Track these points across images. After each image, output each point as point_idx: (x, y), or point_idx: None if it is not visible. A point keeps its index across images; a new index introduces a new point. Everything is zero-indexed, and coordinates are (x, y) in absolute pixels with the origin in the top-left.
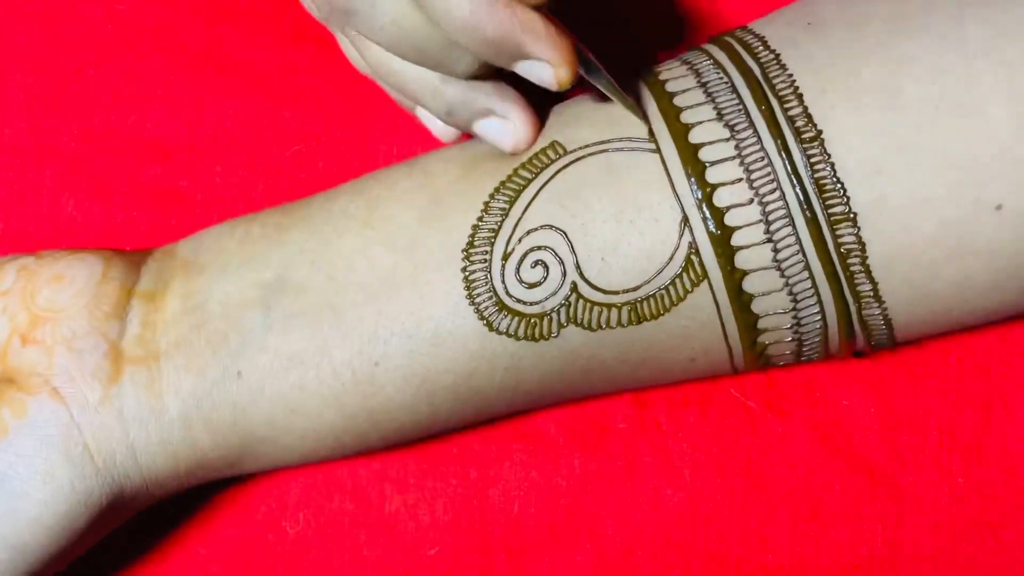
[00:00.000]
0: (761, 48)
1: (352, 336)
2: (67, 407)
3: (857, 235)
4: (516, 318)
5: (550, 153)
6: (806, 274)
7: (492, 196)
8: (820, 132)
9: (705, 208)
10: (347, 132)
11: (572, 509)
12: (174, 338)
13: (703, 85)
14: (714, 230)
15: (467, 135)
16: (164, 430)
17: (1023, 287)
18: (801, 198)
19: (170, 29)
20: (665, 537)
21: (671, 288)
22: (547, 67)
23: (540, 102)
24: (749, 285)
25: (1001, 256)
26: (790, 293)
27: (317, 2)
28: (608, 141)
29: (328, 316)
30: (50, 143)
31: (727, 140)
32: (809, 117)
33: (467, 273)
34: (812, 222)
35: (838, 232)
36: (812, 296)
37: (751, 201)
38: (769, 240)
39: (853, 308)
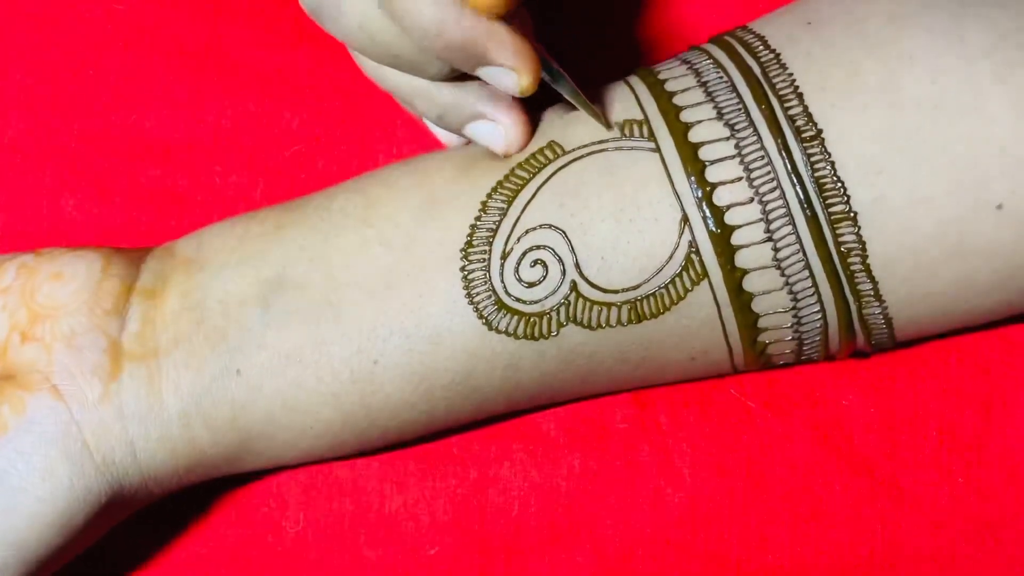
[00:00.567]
0: (761, 47)
1: (351, 334)
2: (66, 404)
3: (857, 234)
4: (515, 317)
5: (548, 153)
6: (806, 273)
7: (490, 195)
8: (820, 131)
9: (705, 207)
10: (347, 132)
11: (572, 509)
12: (173, 335)
13: (703, 84)
14: (714, 229)
15: None
16: (163, 427)
17: (1023, 287)
18: (801, 197)
19: (170, 29)
20: (665, 537)
21: (671, 287)
22: (510, 73)
23: (539, 102)
24: (749, 284)
25: (1001, 255)
26: (790, 292)
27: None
28: (607, 140)
29: (327, 314)
30: (50, 143)
31: (727, 139)
32: (809, 116)
33: (466, 272)
34: (812, 221)
35: (838, 231)
36: (812, 295)
37: (751, 200)
38: (769, 239)
39: (853, 307)
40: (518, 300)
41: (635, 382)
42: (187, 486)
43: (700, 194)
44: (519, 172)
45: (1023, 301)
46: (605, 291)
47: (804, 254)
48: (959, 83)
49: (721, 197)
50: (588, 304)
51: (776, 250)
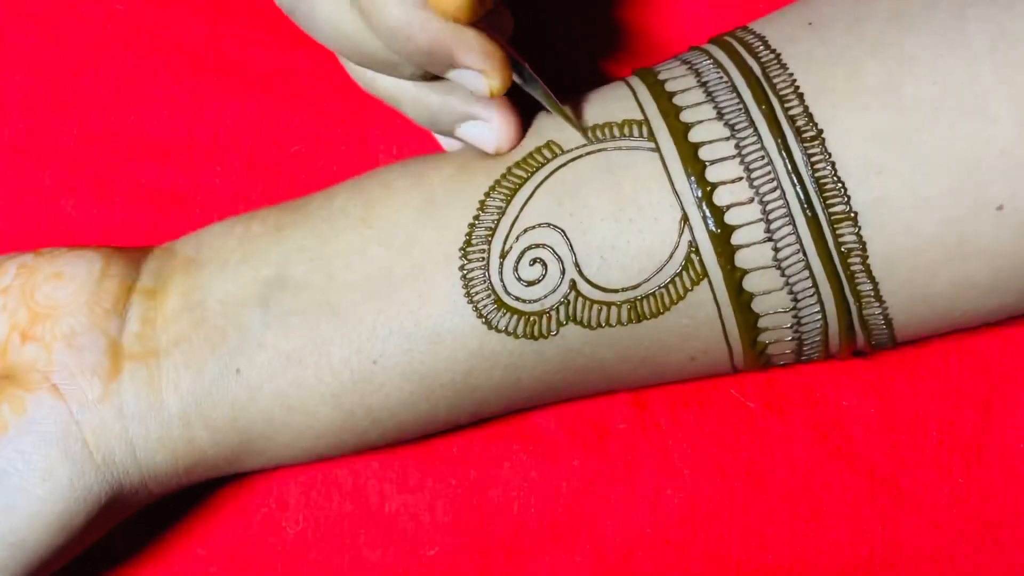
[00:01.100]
0: (761, 47)
1: (351, 334)
2: (66, 404)
3: (858, 234)
4: (515, 316)
5: (545, 152)
6: (806, 273)
7: (488, 194)
8: (821, 131)
9: (705, 207)
10: (347, 132)
11: (572, 509)
12: (174, 335)
13: (703, 84)
14: (714, 229)
15: None
16: (163, 427)
17: (1023, 287)
18: (802, 197)
19: (170, 29)
20: (665, 537)
21: (671, 287)
22: (479, 76)
23: (538, 102)
24: (749, 284)
25: (1002, 256)
26: (790, 292)
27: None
28: (606, 140)
29: (327, 314)
30: (50, 143)
31: (727, 139)
32: (810, 116)
33: (465, 271)
34: (813, 221)
35: (839, 231)
36: (812, 295)
37: (751, 200)
38: (769, 239)
39: (854, 307)
40: (518, 299)
41: (635, 382)
42: (187, 486)
43: (700, 194)
44: (517, 171)
45: (1023, 301)
46: (605, 290)
47: (804, 254)
48: (960, 84)
49: (721, 197)
50: (588, 303)
51: (776, 250)
